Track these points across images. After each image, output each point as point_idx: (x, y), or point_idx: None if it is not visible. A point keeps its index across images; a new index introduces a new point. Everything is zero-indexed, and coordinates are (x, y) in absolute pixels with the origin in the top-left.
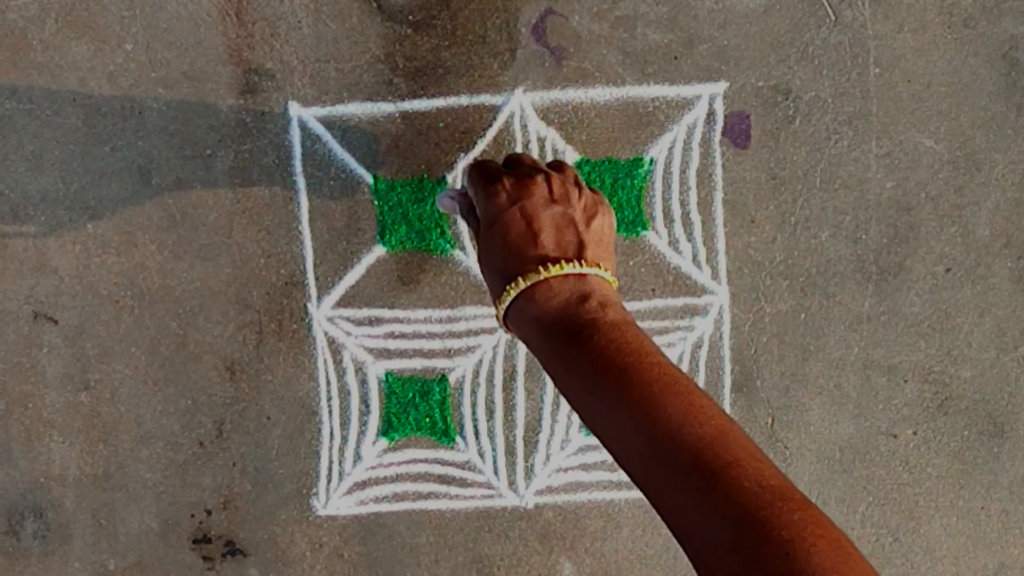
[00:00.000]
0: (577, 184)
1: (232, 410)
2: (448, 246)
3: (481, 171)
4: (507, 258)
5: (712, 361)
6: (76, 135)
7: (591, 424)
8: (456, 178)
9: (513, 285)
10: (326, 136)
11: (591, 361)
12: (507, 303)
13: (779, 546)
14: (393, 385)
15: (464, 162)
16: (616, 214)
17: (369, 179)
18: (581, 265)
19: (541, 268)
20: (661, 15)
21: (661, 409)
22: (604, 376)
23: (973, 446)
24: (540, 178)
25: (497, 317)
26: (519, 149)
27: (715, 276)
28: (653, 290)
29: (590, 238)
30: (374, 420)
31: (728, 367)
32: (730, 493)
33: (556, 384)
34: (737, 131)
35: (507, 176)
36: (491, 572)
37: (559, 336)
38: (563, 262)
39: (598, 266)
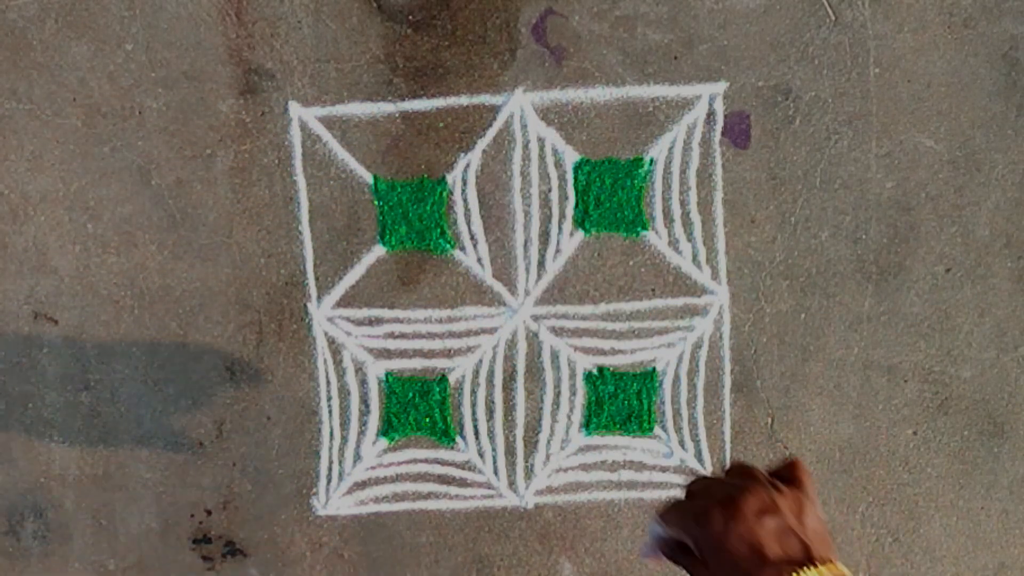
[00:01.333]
0: (775, 486)
1: (232, 410)
2: (448, 246)
3: (682, 511)
4: None
5: (712, 361)
6: (76, 135)
7: None
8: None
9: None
10: (326, 136)
11: None
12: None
13: None
14: (393, 385)
15: (652, 525)
16: (616, 214)
17: (369, 179)
18: (817, 567)
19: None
20: (661, 15)
21: None
22: None
23: (973, 446)
24: (743, 495)
25: None
26: (519, 150)
27: (715, 276)
28: (653, 290)
29: (810, 537)
30: (374, 420)
31: (728, 367)
32: None
33: None
34: (737, 131)
35: (713, 504)
36: (491, 572)
37: None
38: (803, 570)
39: (831, 563)
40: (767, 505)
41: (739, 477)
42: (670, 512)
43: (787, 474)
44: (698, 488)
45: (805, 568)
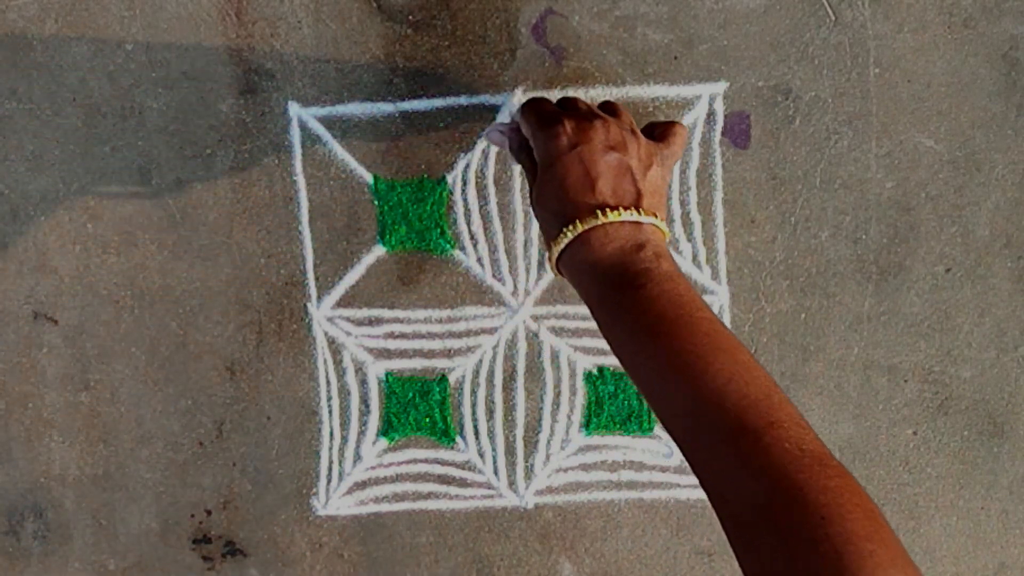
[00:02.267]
0: (634, 132)
1: (232, 410)
2: (448, 246)
3: (540, 111)
4: (564, 201)
5: None
6: (76, 135)
7: (635, 377)
8: (506, 115)
9: (571, 228)
10: (326, 136)
11: (641, 310)
12: (563, 245)
13: (815, 509)
14: (393, 385)
15: (512, 102)
16: None
17: (369, 179)
18: (639, 213)
19: (599, 213)
20: (661, 15)
21: (708, 365)
22: (653, 326)
23: (973, 446)
24: (599, 123)
25: (550, 259)
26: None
27: (715, 276)
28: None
29: (647, 187)
30: (374, 420)
31: None
32: (770, 454)
33: (603, 332)
34: (737, 131)
35: (567, 118)
36: (491, 572)
37: (611, 283)
38: (621, 209)
39: (654, 215)
40: (618, 142)
41: (607, 111)
42: (530, 107)
43: (662, 129)
44: (568, 101)
45: (629, 210)
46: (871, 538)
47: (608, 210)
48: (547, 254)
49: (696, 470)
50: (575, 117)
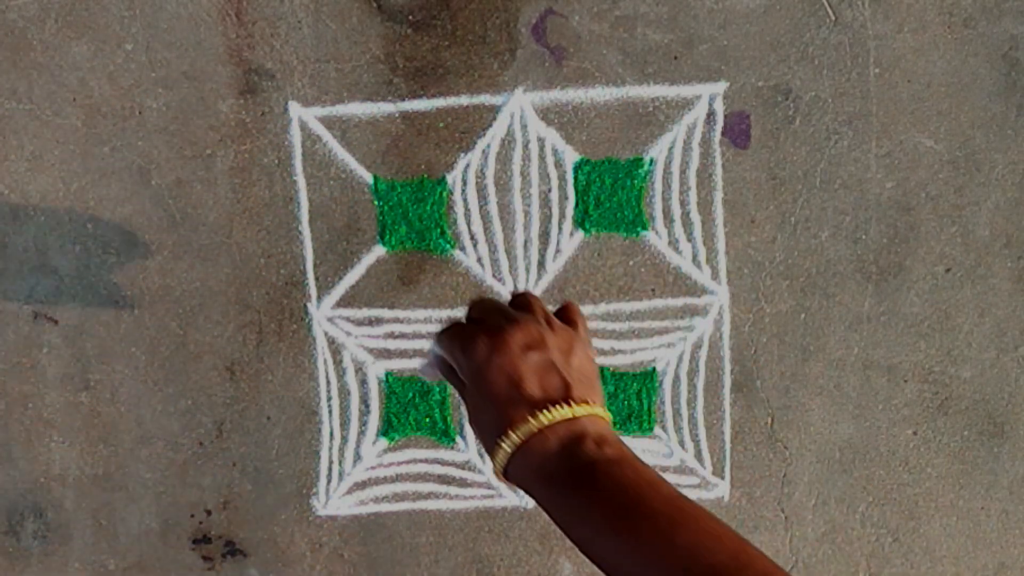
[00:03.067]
0: (548, 322)
1: (232, 410)
2: (448, 246)
3: (452, 334)
4: (494, 414)
5: (712, 361)
6: (76, 135)
7: (608, 568)
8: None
9: (506, 439)
10: (326, 136)
11: (596, 504)
12: (503, 459)
13: None
14: (393, 385)
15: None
16: (616, 214)
17: (369, 179)
18: (570, 406)
19: (531, 418)
20: (661, 15)
21: (670, 543)
22: (611, 518)
23: (973, 446)
24: (512, 327)
25: (496, 473)
26: (519, 149)
27: (715, 276)
28: (653, 290)
29: (573, 376)
30: (374, 420)
31: (728, 367)
32: None
33: (566, 533)
34: (737, 131)
35: (480, 332)
36: (491, 572)
37: (560, 483)
38: (551, 407)
39: (587, 403)
40: (534, 340)
41: (517, 308)
42: (444, 334)
43: (563, 315)
44: (476, 313)
45: (560, 406)
46: None
47: (539, 412)
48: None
49: None
50: (486, 329)
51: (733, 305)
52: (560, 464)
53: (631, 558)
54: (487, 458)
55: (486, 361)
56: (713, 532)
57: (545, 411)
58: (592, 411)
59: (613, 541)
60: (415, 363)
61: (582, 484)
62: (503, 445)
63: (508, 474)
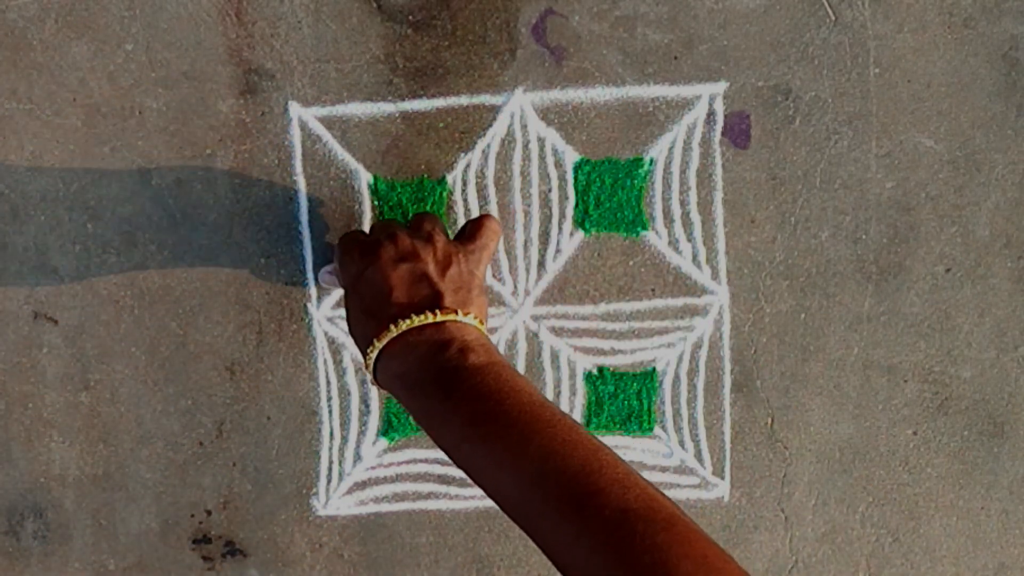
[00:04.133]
0: (431, 238)
1: (232, 410)
2: None
3: (339, 245)
4: (365, 323)
5: (712, 361)
6: (76, 135)
7: (469, 473)
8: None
9: (371, 347)
10: (326, 136)
11: (456, 411)
12: (371, 364)
13: (645, 572)
14: None
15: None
16: (616, 214)
17: (369, 179)
18: (435, 315)
19: (392, 325)
20: (661, 15)
21: (525, 451)
22: (469, 424)
23: (973, 446)
24: (386, 240)
25: (371, 381)
26: (519, 149)
27: (715, 276)
28: (653, 290)
29: (447, 287)
30: (374, 420)
31: (728, 367)
32: (594, 524)
33: (433, 439)
34: (737, 131)
35: (357, 245)
36: (491, 572)
37: (423, 390)
38: (414, 315)
39: (455, 312)
40: (407, 252)
41: (417, 226)
42: (336, 246)
43: (471, 226)
44: (372, 228)
45: (425, 314)
46: None
47: (400, 320)
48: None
49: (542, 549)
50: (363, 243)
51: (733, 305)
52: (422, 370)
53: (488, 464)
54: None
55: (359, 273)
56: (565, 440)
57: (408, 319)
58: (460, 319)
59: (472, 448)
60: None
61: (443, 391)
62: (369, 352)
63: (378, 381)
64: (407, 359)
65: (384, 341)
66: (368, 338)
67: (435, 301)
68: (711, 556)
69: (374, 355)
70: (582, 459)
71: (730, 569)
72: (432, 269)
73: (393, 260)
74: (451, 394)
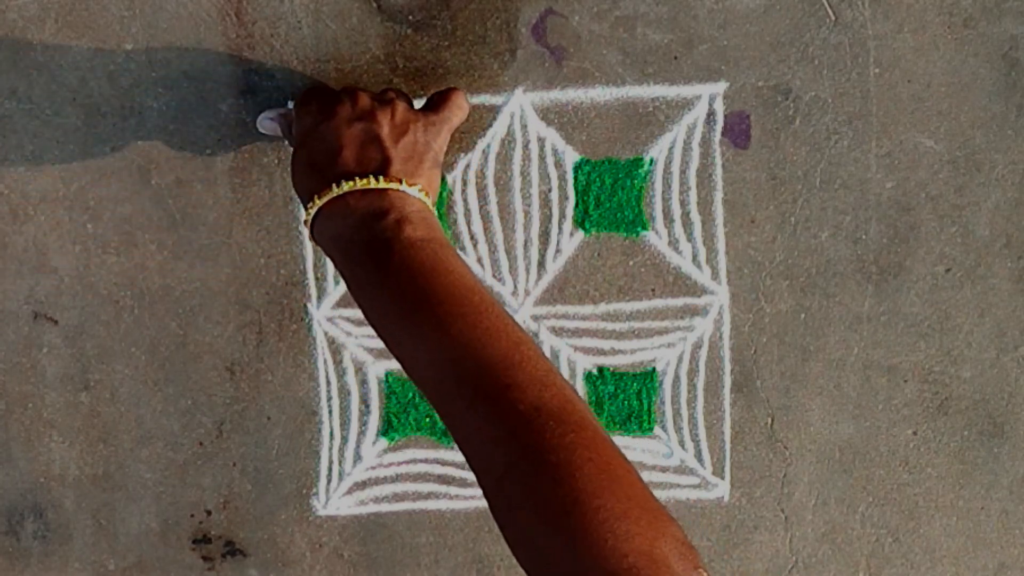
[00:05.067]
0: (391, 103)
1: (232, 410)
2: None
3: (300, 96)
4: (310, 177)
5: (712, 361)
6: (76, 135)
7: (391, 348)
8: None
9: (312, 204)
10: None
11: (385, 282)
12: (309, 220)
13: (548, 470)
14: (393, 385)
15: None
16: (616, 214)
17: None
18: (379, 181)
19: (335, 185)
20: (661, 15)
21: (447, 333)
22: (398, 299)
23: (973, 446)
24: (347, 98)
25: (308, 237)
26: (519, 149)
27: (715, 276)
28: (653, 290)
29: (397, 154)
30: (374, 420)
31: (728, 367)
32: (506, 418)
33: (360, 308)
34: (737, 131)
35: (314, 98)
36: (491, 572)
37: (354, 256)
38: (357, 178)
39: (399, 181)
40: (364, 112)
41: (382, 92)
42: (298, 97)
43: (437, 97)
44: (339, 90)
45: (368, 179)
46: (601, 492)
47: (343, 180)
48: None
49: (452, 437)
50: (323, 97)
51: (733, 305)
52: (356, 235)
53: (409, 341)
54: None
55: (313, 126)
56: (488, 328)
57: (351, 181)
58: (404, 189)
59: (396, 325)
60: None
61: (374, 260)
62: (309, 208)
63: (315, 239)
64: (344, 222)
65: (324, 199)
66: (310, 193)
67: (382, 167)
68: (615, 464)
69: (313, 211)
70: (504, 350)
71: (631, 480)
72: (386, 133)
73: (348, 119)
74: (381, 265)
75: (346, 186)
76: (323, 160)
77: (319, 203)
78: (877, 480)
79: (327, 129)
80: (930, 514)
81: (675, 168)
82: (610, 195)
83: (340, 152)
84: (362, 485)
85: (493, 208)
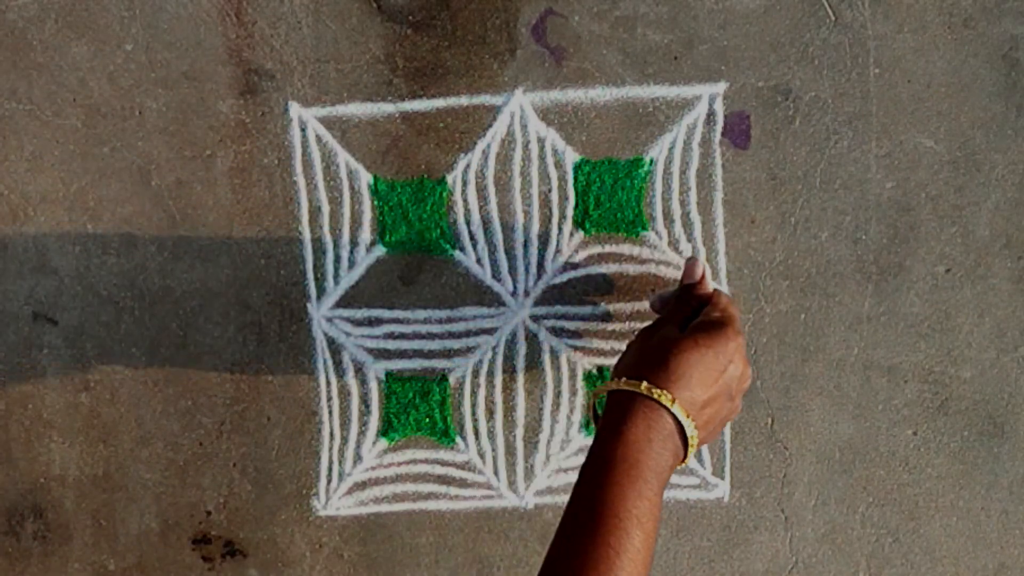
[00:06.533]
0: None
1: (232, 410)
2: (448, 246)
3: (735, 308)
4: (661, 368)
5: None
6: (76, 135)
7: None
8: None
9: (657, 392)
10: (326, 136)
11: (620, 496)
12: (624, 388)
13: None
14: (393, 385)
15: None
16: (616, 214)
17: (369, 179)
18: (694, 445)
19: (680, 406)
20: (661, 15)
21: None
22: (605, 516)
23: (973, 446)
24: (749, 369)
25: (601, 388)
26: (519, 150)
27: (715, 276)
28: (653, 290)
29: (717, 420)
30: (374, 420)
31: None
32: None
33: (583, 470)
34: (737, 131)
35: (741, 347)
36: (491, 572)
37: (627, 458)
38: (696, 431)
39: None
40: (741, 389)
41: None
42: (733, 304)
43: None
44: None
45: (692, 424)
46: None
47: (691, 419)
48: (601, 384)
49: None
50: (744, 355)
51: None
52: (656, 456)
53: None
54: (486, 458)
55: (731, 353)
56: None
57: (694, 428)
58: (691, 454)
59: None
60: (415, 363)
61: (629, 477)
62: (652, 390)
63: (605, 408)
64: (661, 433)
65: (662, 399)
66: (658, 377)
67: (701, 425)
68: None
69: (666, 402)
70: None
71: None
72: (737, 402)
73: (740, 389)
74: (633, 484)
75: (687, 424)
76: (703, 377)
77: (663, 398)
78: (877, 480)
79: (734, 368)
80: (930, 514)
81: (675, 168)
82: (610, 195)
83: (713, 385)
84: (362, 485)
85: (493, 208)
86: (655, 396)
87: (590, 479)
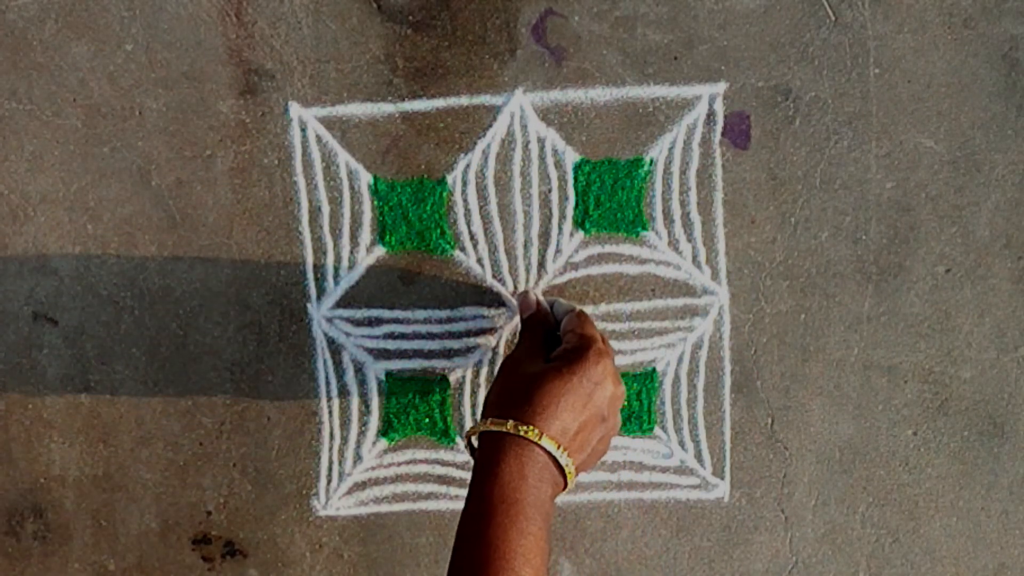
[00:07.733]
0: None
1: (232, 410)
2: (448, 247)
3: (593, 327)
4: (525, 402)
5: (712, 361)
6: (76, 135)
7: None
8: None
9: (527, 428)
10: (326, 136)
11: (503, 536)
12: (491, 429)
13: None
14: (393, 385)
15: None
16: (616, 214)
17: (369, 179)
18: (572, 473)
19: (549, 438)
20: (661, 15)
21: None
22: (487, 554)
23: (973, 446)
24: (620, 388)
25: (472, 430)
26: (519, 150)
27: (715, 276)
28: (653, 290)
29: (593, 449)
30: (374, 420)
31: (728, 367)
32: None
33: (467, 506)
34: (737, 131)
35: (611, 359)
36: None
37: (504, 496)
38: (573, 456)
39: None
40: (614, 410)
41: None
42: (591, 321)
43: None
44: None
45: (569, 457)
46: None
47: (563, 450)
48: (472, 425)
49: None
50: (615, 372)
51: (733, 305)
52: (535, 488)
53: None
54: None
55: (598, 376)
56: None
57: (567, 453)
58: (571, 486)
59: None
60: (415, 363)
61: (512, 517)
62: (520, 428)
63: (477, 445)
64: (534, 468)
65: (527, 440)
66: (523, 414)
67: (580, 460)
68: None
69: (516, 432)
70: None
71: None
72: (610, 424)
73: (615, 404)
74: (515, 524)
75: (564, 461)
76: (571, 409)
77: (533, 436)
78: (877, 480)
79: (597, 394)
80: (930, 514)
81: (675, 168)
82: (610, 195)
83: (581, 417)
84: (362, 485)
85: (493, 208)
86: (522, 433)
87: (474, 520)
